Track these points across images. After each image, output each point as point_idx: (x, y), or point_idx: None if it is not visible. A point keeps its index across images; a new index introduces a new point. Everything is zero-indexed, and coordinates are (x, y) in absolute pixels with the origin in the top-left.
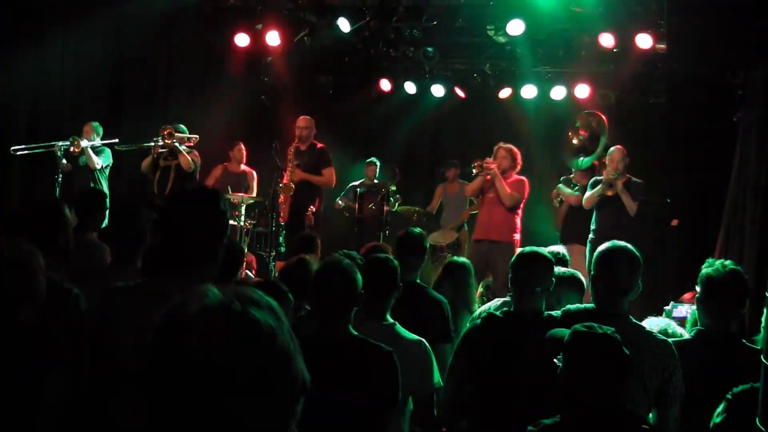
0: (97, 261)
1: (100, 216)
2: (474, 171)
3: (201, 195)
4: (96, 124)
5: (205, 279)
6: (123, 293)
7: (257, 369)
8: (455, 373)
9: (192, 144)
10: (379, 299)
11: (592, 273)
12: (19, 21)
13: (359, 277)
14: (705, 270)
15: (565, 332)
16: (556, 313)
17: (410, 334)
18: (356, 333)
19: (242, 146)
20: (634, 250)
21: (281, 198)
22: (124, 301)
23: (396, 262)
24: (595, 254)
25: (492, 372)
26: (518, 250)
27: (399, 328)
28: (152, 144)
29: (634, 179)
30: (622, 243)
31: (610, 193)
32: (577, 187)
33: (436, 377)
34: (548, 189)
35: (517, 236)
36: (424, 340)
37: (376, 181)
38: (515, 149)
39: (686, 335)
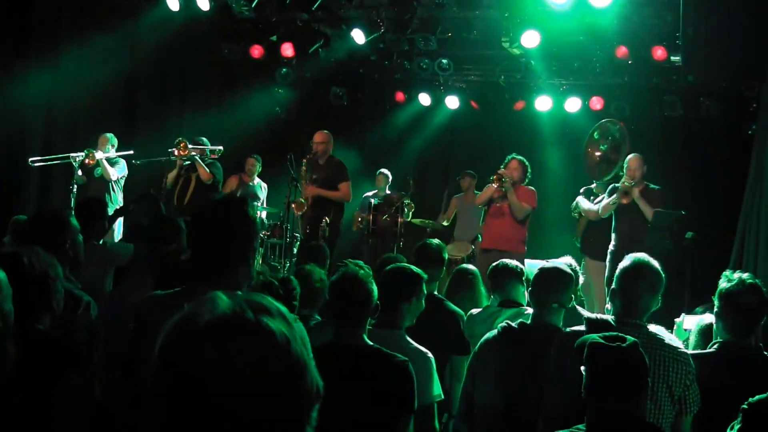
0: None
1: (99, 225)
2: (494, 185)
3: (228, 202)
4: (111, 135)
5: (240, 283)
6: (162, 301)
7: (271, 378)
8: (468, 381)
9: (216, 156)
10: (394, 307)
11: (613, 287)
12: (34, 33)
13: (375, 288)
14: (723, 285)
15: (593, 338)
16: (582, 327)
17: (415, 344)
18: (371, 343)
19: (254, 160)
20: (659, 269)
21: (297, 212)
22: (163, 309)
23: (418, 270)
24: (619, 269)
25: (505, 383)
26: (537, 265)
27: (406, 336)
28: (168, 157)
29: (652, 186)
30: (647, 259)
31: (625, 201)
32: (597, 199)
33: (437, 389)
34: (563, 200)
35: (525, 247)
36: (429, 352)
37: (388, 192)
38: (526, 161)
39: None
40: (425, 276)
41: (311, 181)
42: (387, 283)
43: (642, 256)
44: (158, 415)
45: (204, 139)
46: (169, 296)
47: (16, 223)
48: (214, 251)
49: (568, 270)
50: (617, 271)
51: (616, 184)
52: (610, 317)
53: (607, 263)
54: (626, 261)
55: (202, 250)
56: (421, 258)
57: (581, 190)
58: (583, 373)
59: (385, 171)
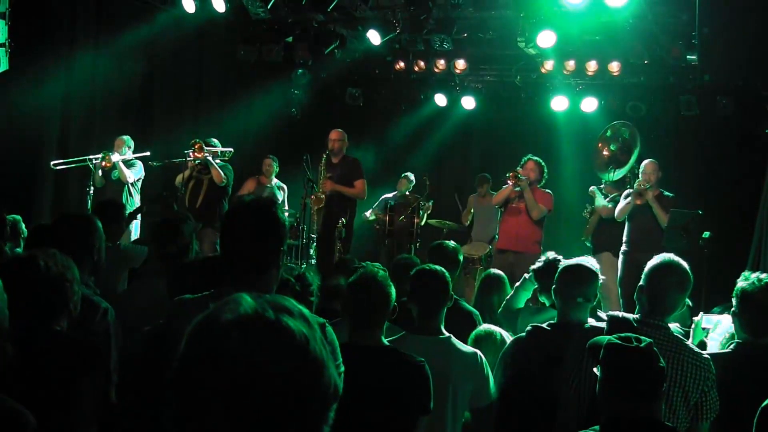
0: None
1: (116, 227)
2: (510, 182)
3: (257, 205)
4: (127, 137)
5: (270, 286)
6: (192, 305)
7: (290, 376)
8: (497, 383)
9: (226, 158)
10: (431, 313)
11: (641, 284)
12: (50, 35)
13: (393, 289)
14: (741, 284)
15: (609, 338)
16: (601, 324)
17: (465, 346)
18: (387, 343)
19: (271, 161)
20: (688, 269)
21: (314, 206)
22: (193, 312)
23: (444, 271)
24: (648, 267)
25: (536, 384)
26: (562, 262)
27: (454, 341)
28: (184, 159)
29: (666, 193)
30: (677, 259)
31: (638, 202)
32: (608, 198)
33: (492, 388)
34: (578, 200)
35: (541, 248)
36: (479, 352)
37: (407, 194)
38: (542, 162)
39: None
40: None
41: (327, 179)
42: (425, 289)
43: (672, 256)
44: (177, 409)
45: (215, 140)
46: (198, 299)
47: (36, 230)
48: (245, 254)
49: (591, 266)
50: (646, 269)
51: (632, 189)
52: (632, 316)
53: (619, 264)
54: (656, 259)
55: (233, 254)
56: (437, 259)
57: (590, 190)
58: (598, 373)
59: (410, 175)
